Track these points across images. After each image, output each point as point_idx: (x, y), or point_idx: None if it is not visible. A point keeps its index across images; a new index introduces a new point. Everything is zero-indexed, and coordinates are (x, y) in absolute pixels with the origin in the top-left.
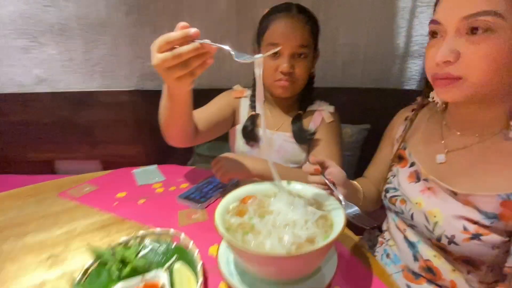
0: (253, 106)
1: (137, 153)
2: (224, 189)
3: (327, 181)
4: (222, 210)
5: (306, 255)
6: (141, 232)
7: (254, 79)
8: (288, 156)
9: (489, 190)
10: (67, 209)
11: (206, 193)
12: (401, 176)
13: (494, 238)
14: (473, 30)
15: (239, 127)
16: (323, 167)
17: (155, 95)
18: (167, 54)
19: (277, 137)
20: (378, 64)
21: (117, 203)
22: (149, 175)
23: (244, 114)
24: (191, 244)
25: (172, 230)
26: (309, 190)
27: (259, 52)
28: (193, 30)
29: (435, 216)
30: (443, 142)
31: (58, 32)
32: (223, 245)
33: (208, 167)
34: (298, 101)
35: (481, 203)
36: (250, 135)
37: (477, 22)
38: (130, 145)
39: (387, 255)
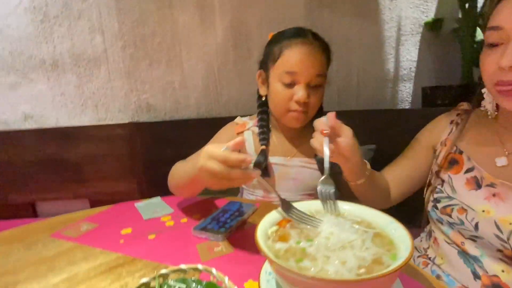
0: (261, 139)
1: (130, 189)
2: (243, 217)
3: (326, 150)
4: (263, 237)
5: (384, 276)
6: (163, 271)
7: (258, 108)
8: (306, 181)
9: None
10: (64, 252)
11: (224, 222)
12: (457, 183)
13: None
14: None
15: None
16: (335, 133)
17: (151, 127)
18: (220, 168)
19: (292, 163)
20: (371, 88)
21: (123, 240)
22: (155, 207)
23: (250, 148)
24: (226, 280)
25: (201, 266)
26: (352, 208)
27: (267, 81)
28: (249, 159)
29: (510, 223)
30: (501, 146)
31: (50, 67)
32: (265, 278)
33: (215, 195)
34: (308, 127)
35: None
36: (263, 170)
37: None
38: (123, 181)
39: (437, 277)
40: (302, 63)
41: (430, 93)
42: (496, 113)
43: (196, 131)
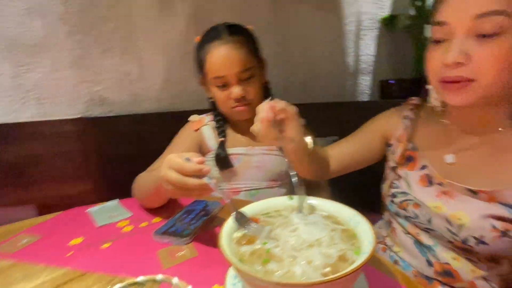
0: (220, 132)
1: (85, 192)
2: (209, 217)
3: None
4: (227, 240)
5: (348, 275)
6: (117, 286)
7: (210, 107)
8: (269, 168)
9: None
10: None
11: (188, 224)
12: (412, 180)
13: None
14: (484, 34)
15: (208, 157)
16: (280, 117)
17: (105, 121)
18: (177, 178)
19: (254, 152)
20: (334, 81)
21: (72, 252)
22: (110, 212)
23: (212, 143)
24: None
25: (160, 276)
26: (319, 203)
27: (205, 82)
28: (206, 169)
29: (459, 219)
30: (449, 143)
31: None
32: (231, 282)
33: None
34: None
35: (507, 197)
36: (225, 162)
37: (488, 22)
38: (75, 183)
39: (395, 262)
40: (224, 66)
41: (387, 86)
42: (443, 109)
43: (157, 126)
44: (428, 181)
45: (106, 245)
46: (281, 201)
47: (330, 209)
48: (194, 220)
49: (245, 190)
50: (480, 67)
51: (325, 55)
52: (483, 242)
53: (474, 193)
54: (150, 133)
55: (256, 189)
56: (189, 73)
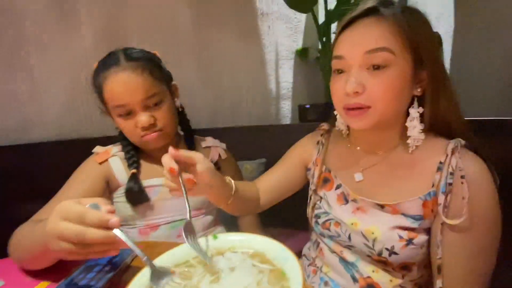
0: (130, 163)
1: None
2: (117, 271)
3: (182, 186)
4: None
5: None
6: None
7: (119, 132)
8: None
9: (411, 195)
10: None
11: (87, 286)
12: (330, 199)
13: (422, 238)
14: (374, 66)
15: (118, 193)
16: (188, 163)
17: None
18: (75, 230)
19: None
20: (259, 105)
21: None
22: None
23: (122, 176)
24: None
25: None
26: (244, 240)
27: (108, 113)
28: (113, 220)
29: (373, 233)
30: (356, 162)
31: None
32: None
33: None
34: (182, 140)
35: (407, 208)
36: (139, 197)
37: (376, 57)
38: None
39: (325, 283)
40: (125, 94)
41: (304, 110)
42: (347, 132)
43: (56, 158)
44: (344, 199)
45: None
46: (204, 243)
47: (256, 246)
48: (94, 280)
49: (165, 224)
50: (374, 95)
51: (250, 80)
52: (395, 252)
53: (381, 207)
54: (45, 166)
55: (178, 220)
56: None
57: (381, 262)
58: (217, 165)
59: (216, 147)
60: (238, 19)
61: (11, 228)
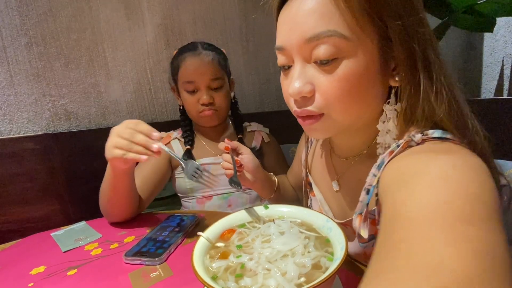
0: (186, 141)
1: (51, 213)
2: (184, 232)
3: (234, 164)
4: (200, 257)
5: (322, 283)
6: None
7: (180, 117)
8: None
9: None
10: None
11: (162, 242)
12: (314, 206)
13: None
14: (322, 61)
15: (179, 170)
16: (237, 152)
17: (72, 137)
18: (126, 131)
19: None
20: None
21: (32, 284)
22: (77, 235)
23: (180, 155)
24: None
25: None
26: (292, 211)
27: (177, 90)
28: (156, 134)
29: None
30: (333, 168)
31: None
32: None
33: (151, 210)
34: (231, 126)
35: (357, 228)
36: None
37: (320, 47)
38: (40, 204)
39: None
40: (196, 72)
41: None
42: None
43: None
44: (324, 210)
45: (71, 272)
46: (256, 212)
47: (303, 216)
48: (168, 237)
49: (217, 195)
50: (325, 100)
51: None
52: None
53: (345, 226)
54: None
55: (228, 192)
56: (159, 83)
57: None
58: (261, 149)
59: (259, 132)
60: None
61: (95, 195)
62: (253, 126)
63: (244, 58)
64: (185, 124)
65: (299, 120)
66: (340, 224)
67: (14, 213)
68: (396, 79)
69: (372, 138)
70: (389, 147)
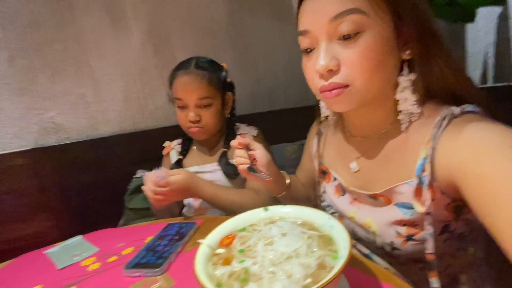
0: (180, 152)
1: (44, 229)
2: (184, 240)
3: (248, 157)
4: (202, 264)
5: (329, 283)
6: None
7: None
8: (221, 182)
9: (401, 180)
10: None
11: (162, 251)
12: (329, 192)
13: (424, 234)
14: (345, 36)
15: None
16: (249, 148)
17: (62, 150)
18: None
19: (206, 169)
20: (297, 86)
21: None
22: (73, 250)
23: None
24: None
25: None
26: (292, 211)
27: (174, 100)
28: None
29: (370, 227)
30: (351, 150)
31: None
32: None
33: (145, 221)
34: (223, 136)
35: (397, 196)
36: None
37: (345, 23)
38: (32, 221)
39: None
40: (184, 90)
41: None
42: (334, 117)
43: (121, 149)
44: (341, 189)
45: None
46: (256, 214)
47: (304, 216)
48: (167, 246)
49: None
50: (350, 71)
51: (288, 61)
52: (396, 248)
53: (374, 198)
54: (112, 156)
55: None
56: (149, 90)
57: (389, 256)
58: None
59: (244, 134)
60: (271, 2)
61: (90, 207)
62: (241, 129)
63: (233, 60)
64: (183, 133)
65: (325, 94)
66: (367, 196)
67: (5, 232)
68: (407, 52)
69: (391, 114)
70: (411, 114)
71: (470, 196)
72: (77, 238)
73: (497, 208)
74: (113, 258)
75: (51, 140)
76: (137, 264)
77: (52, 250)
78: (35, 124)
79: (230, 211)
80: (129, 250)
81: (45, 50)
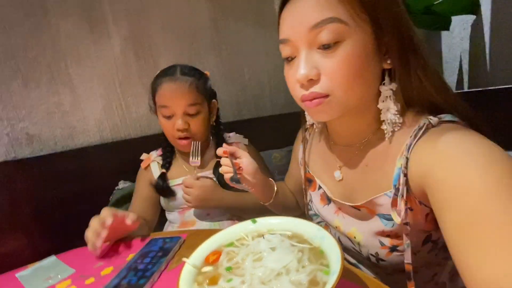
0: (163, 164)
1: (16, 249)
2: (168, 256)
3: (233, 165)
4: (187, 286)
5: None
6: None
7: (163, 138)
8: None
9: (380, 190)
10: None
11: (144, 270)
12: (315, 200)
13: (405, 245)
14: (324, 45)
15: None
16: (235, 156)
17: (37, 162)
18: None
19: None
20: (282, 93)
21: None
22: (46, 273)
23: (157, 176)
24: None
25: None
26: (281, 222)
27: (156, 110)
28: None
29: (355, 237)
30: (335, 159)
31: None
32: None
33: (130, 235)
34: (212, 147)
35: (379, 207)
36: (165, 191)
37: (324, 32)
38: (3, 240)
39: None
40: (172, 97)
41: None
42: (320, 125)
43: (100, 159)
44: (327, 198)
45: None
46: (244, 227)
47: (293, 227)
48: (150, 264)
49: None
50: (330, 80)
51: (272, 68)
52: (381, 259)
53: (357, 209)
54: (92, 168)
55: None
56: (131, 97)
57: (377, 266)
58: None
59: (237, 143)
60: (255, 8)
61: (67, 224)
62: (232, 138)
63: (218, 67)
64: (165, 145)
65: (306, 104)
66: (351, 207)
67: None
68: (388, 62)
69: (374, 123)
70: (394, 123)
71: (432, 202)
72: (51, 258)
73: (448, 211)
74: (91, 279)
75: (25, 152)
76: (117, 285)
77: (24, 273)
78: (6, 135)
79: (254, 212)
80: (108, 270)
81: (17, 57)
